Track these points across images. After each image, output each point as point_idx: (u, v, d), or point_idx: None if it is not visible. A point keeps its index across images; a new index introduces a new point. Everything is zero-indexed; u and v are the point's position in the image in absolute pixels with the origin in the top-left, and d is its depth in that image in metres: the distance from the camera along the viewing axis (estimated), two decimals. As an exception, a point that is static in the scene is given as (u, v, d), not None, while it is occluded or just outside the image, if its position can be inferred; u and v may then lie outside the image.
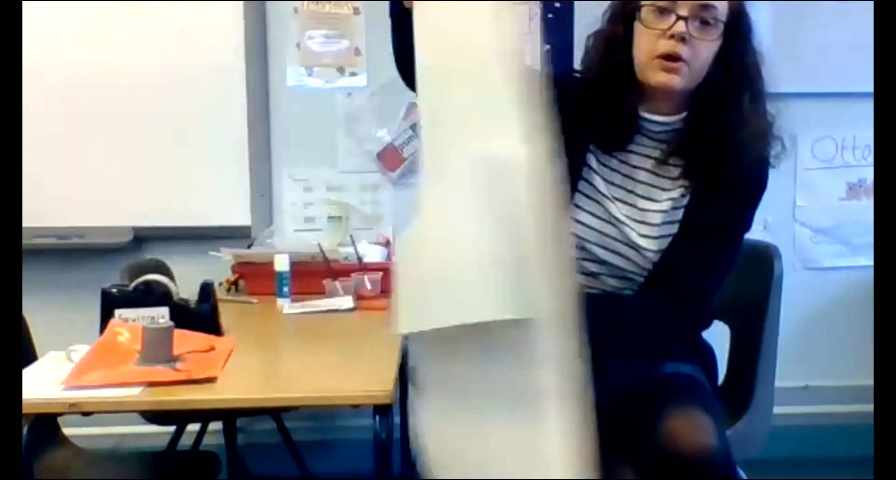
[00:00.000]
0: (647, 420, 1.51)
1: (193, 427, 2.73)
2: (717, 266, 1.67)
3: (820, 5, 3.14)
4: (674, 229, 1.64)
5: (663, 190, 1.66)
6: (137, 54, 2.98)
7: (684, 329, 1.73)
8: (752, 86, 1.62)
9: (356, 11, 3.05)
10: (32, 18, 2.77)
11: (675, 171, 1.65)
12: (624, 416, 1.57)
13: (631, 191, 1.67)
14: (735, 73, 1.61)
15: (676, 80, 1.56)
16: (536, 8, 3.13)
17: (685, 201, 1.65)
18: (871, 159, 3.29)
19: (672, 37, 1.53)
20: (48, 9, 2.91)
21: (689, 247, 1.63)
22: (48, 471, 2.01)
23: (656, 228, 1.64)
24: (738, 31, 1.61)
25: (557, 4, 3.13)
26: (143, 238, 3.05)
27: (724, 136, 1.59)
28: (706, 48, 1.57)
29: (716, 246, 1.65)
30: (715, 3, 1.55)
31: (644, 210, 1.65)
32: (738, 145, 1.59)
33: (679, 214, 1.64)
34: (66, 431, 2.19)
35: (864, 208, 3.26)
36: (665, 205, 1.65)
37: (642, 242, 1.63)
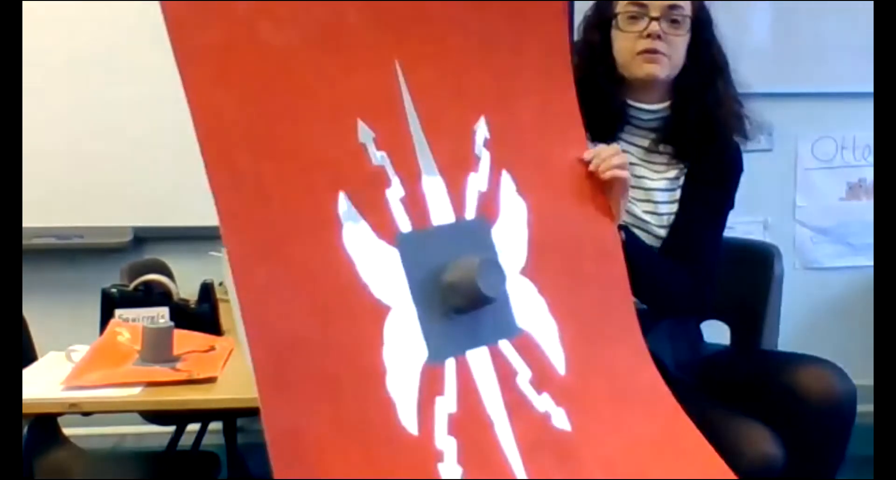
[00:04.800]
0: (766, 378, 1.72)
1: (193, 427, 2.73)
2: (717, 242, 1.79)
3: (820, 5, 3.14)
4: (674, 208, 1.76)
5: (657, 172, 1.78)
6: (137, 54, 2.98)
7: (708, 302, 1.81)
8: (722, 72, 1.80)
9: (356, 11, 3.05)
10: (33, 19, 2.77)
11: (665, 156, 1.79)
12: (729, 380, 1.80)
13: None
14: (706, 62, 1.78)
15: (659, 69, 1.72)
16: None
17: (681, 181, 1.78)
18: (871, 159, 3.29)
19: (649, 36, 1.69)
20: (49, 9, 2.91)
21: (693, 223, 1.75)
22: (48, 471, 2.00)
23: (660, 206, 1.76)
24: (702, 25, 1.78)
25: (557, 4, 3.13)
26: (143, 238, 3.06)
27: (706, 117, 1.76)
28: (679, 42, 1.73)
29: (714, 222, 1.79)
30: (681, 3, 1.72)
31: (649, 189, 1.77)
32: (718, 123, 1.77)
33: (677, 194, 1.77)
34: (66, 431, 2.18)
35: (864, 208, 3.27)
36: (662, 184, 1.77)
37: (649, 218, 1.75)
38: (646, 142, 1.79)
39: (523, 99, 1.41)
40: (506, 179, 1.34)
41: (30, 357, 1.94)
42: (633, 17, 1.72)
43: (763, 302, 2.07)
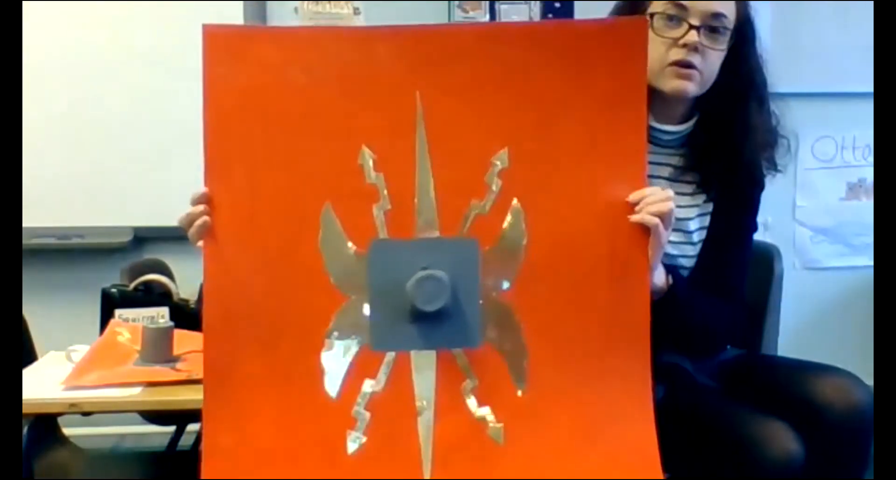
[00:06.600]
0: (785, 389, 1.63)
1: (193, 427, 2.72)
2: (745, 269, 1.70)
3: (820, 5, 3.15)
4: (703, 235, 1.65)
5: (686, 195, 1.65)
6: (137, 54, 2.98)
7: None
8: (757, 91, 1.64)
9: (356, 11, 3.04)
10: (33, 20, 2.77)
11: (693, 179, 1.65)
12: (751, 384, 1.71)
13: None
14: (741, 79, 1.62)
15: (690, 87, 1.56)
16: (536, 8, 3.13)
17: (710, 207, 1.66)
18: (871, 159, 3.29)
19: (685, 46, 1.52)
20: (49, 10, 2.91)
21: (726, 255, 1.65)
22: (48, 471, 2.00)
23: (693, 235, 1.64)
24: (744, 37, 1.61)
25: (557, 4, 3.13)
26: (143, 238, 3.06)
27: (736, 146, 1.61)
28: (716, 56, 1.57)
29: (745, 251, 1.70)
30: (724, 10, 1.55)
31: (681, 219, 1.60)
32: (745, 157, 1.63)
33: (706, 221, 1.66)
34: (66, 431, 2.18)
35: (864, 208, 3.27)
36: (692, 212, 1.64)
37: (675, 250, 1.61)
38: (672, 160, 1.65)
39: (571, 131, 1.39)
40: (515, 208, 1.39)
41: (30, 357, 1.94)
42: (671, 20, 1.53)
43: (763, 302, 2.06)
